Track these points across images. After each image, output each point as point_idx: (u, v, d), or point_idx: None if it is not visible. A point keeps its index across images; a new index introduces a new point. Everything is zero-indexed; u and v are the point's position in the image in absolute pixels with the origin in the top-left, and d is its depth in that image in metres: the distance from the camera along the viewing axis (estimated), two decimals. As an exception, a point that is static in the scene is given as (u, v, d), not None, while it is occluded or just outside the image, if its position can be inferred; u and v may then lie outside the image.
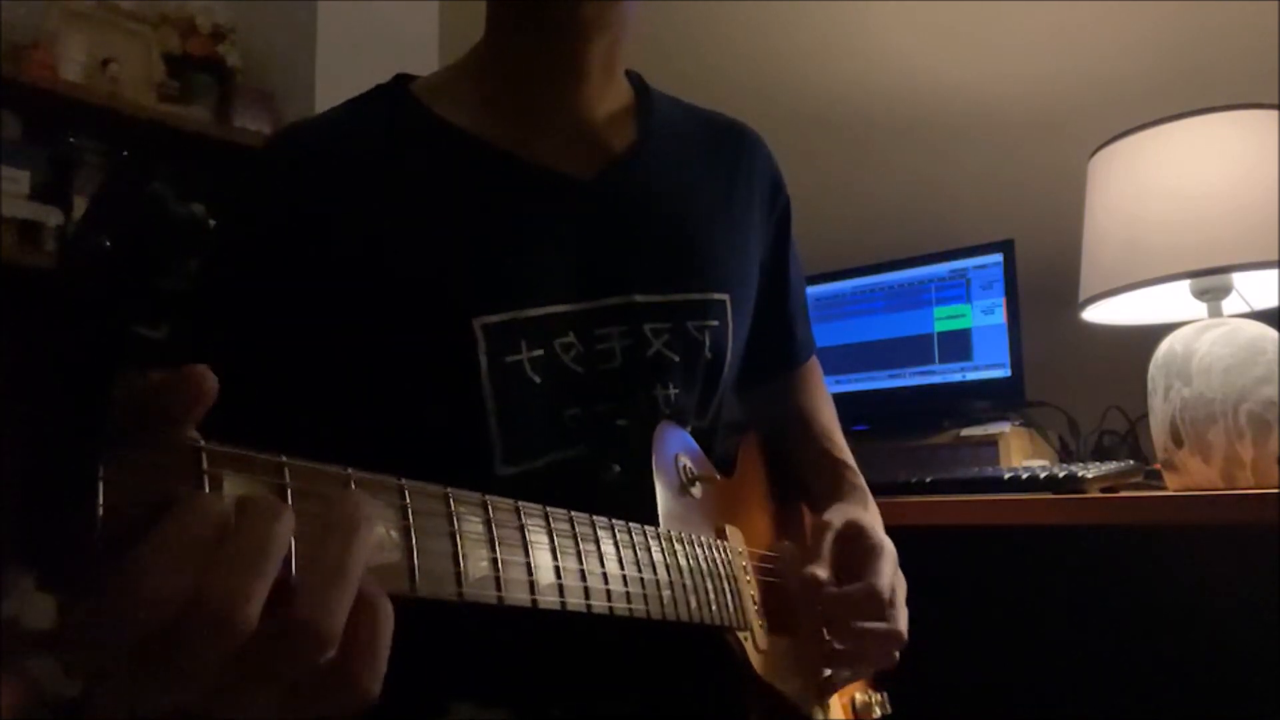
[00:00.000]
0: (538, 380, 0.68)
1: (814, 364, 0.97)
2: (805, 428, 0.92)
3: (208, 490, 0.34)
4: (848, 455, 0.90)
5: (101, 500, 0.30)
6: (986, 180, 1.78)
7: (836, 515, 0.77)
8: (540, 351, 0.68)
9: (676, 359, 0.74)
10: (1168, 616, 1.33)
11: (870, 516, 0.80)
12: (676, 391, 0.74)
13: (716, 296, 0.77)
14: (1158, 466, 1.18)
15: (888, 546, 0.76)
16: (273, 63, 2.30)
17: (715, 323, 0.76)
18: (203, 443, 0.34)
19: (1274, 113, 1.20)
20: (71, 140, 1.96)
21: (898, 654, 0.74)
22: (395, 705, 0.39)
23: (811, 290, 1.83)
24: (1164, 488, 1.17)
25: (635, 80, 0.83)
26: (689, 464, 0.70)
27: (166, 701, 0.33)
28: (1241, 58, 1.51)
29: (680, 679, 0.68)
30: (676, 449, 0.69)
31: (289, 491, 0.36)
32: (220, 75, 2.23)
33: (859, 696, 0.83)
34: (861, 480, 0.87)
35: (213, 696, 0.33)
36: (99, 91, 2.01)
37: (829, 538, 0.74)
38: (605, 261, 0.72)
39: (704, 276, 0.77)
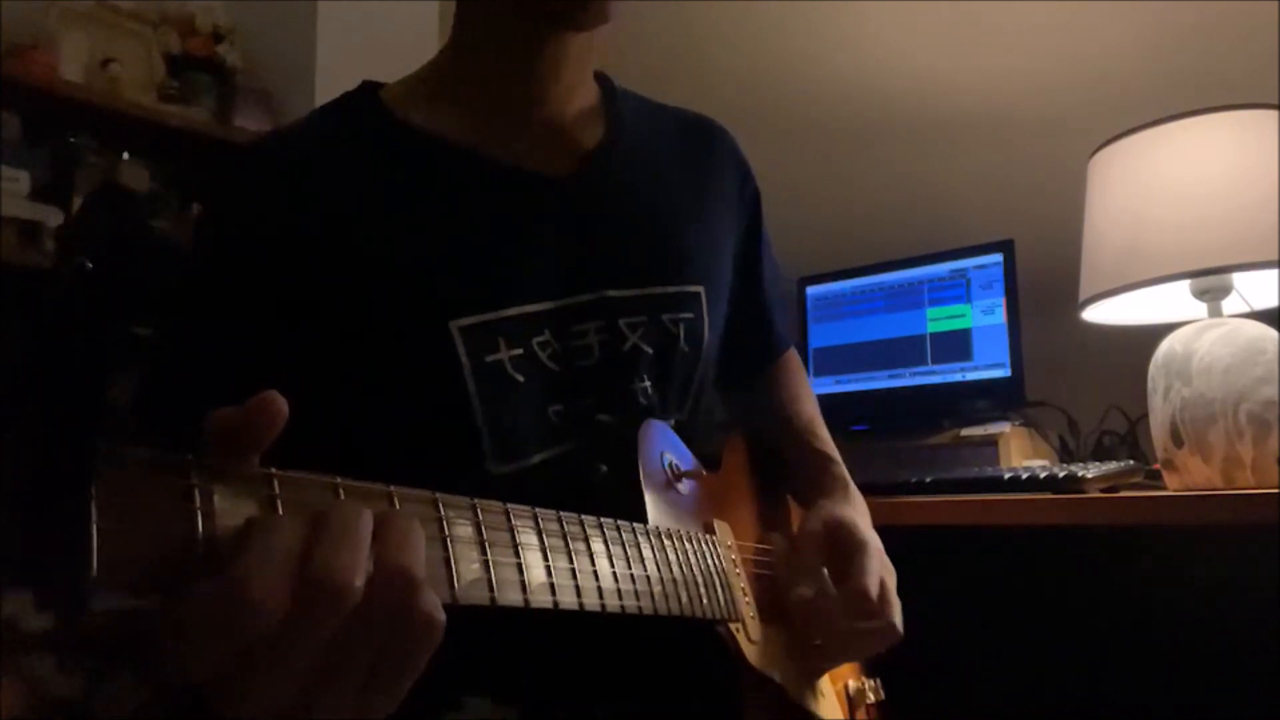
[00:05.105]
0: (520, 379, 0.68)
1: (793, 355, 0.97)
2: (788, 421, 0.92)
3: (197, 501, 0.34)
4: (831, 447, 0.90)
5: (95, 518, 0.30)
6: (986, 180, 1.78)
7: (818, 518, 0.77)
8: (519, 351, 0.68)
9: (652, 352, 0.74)
10: (1168, 616, 1.32)
11: (853, 510, 0.81)
12: (653, 384, 0.74)
13: (691, 289, 0.77)
14: (1158, 466, 1.18)
15: (871, 542, 0.76)
16: (273, 63, 2.30)
17: (690, 315, 0.77)
18: (190, 456, 0.34)
19: (1274, 113, 1.19)
20: (71, 140, 1.96)
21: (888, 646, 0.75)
22: (408, 697, 0.40)
23: (811, 290, 1.83)
24: (1164, 488, 1.17)
25: (601, 79, 0.83)
26: (674, 461, 0.70)
27: (271, 700, 0.35)
28: (1241, 58, 1.50)
29: (676, 673, 0.68)
30: (662, 447, 0.70)
31: (278, 502, 0.36)
32: (220, 75, 2.23)
33: (852, 683, 0.84)
34: (844, 472, 0.87)
35: (310, 688, 0.36)
36: (99, 91, 2.00)
37: (814, 544, 0.75)
38: (579, 258, 0.73)
39: (678, 269, 0.77)
